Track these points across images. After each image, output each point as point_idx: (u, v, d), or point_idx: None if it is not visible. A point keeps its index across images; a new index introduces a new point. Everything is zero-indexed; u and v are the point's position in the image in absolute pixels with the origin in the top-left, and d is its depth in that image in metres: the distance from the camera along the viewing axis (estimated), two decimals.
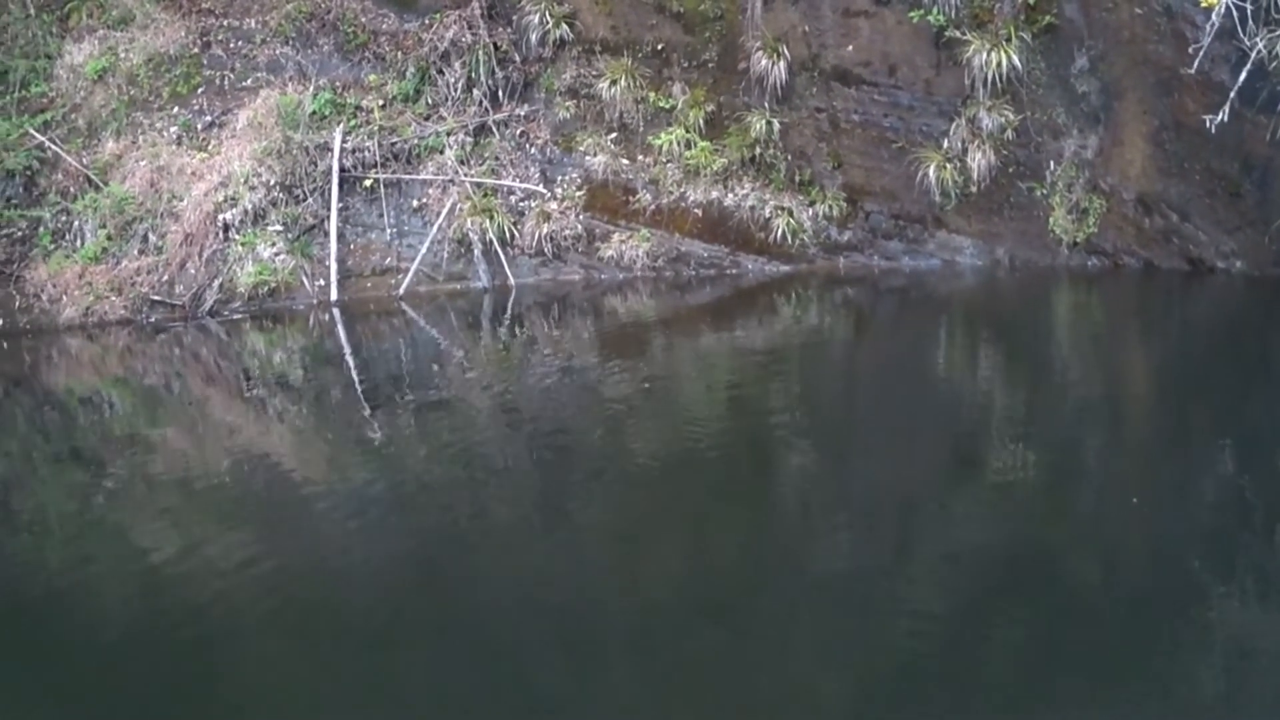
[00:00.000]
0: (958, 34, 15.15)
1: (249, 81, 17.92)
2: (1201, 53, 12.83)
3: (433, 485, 10.12)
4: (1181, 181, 14.55)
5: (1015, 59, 14.86)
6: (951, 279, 15.84)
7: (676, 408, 11.85)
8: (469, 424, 11.84)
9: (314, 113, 17.23)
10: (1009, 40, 14.93)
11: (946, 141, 15.57)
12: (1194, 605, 6.89)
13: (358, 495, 9.94)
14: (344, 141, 17.02)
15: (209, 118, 17.86)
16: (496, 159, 17.06)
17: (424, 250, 16.85)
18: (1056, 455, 9.61)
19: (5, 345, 16.18)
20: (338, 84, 17.66)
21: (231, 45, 18.21)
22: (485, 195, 16.82)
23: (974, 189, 15.53)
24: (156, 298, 16.69)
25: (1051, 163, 15.43)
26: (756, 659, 6.76)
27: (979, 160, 15.33)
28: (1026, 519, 8.42)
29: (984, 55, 14.98)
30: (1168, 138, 14.56)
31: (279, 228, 16.87)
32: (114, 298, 16.69)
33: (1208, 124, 12.63)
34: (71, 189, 17.50)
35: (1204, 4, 12.02)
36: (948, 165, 15.42)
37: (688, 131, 16.45)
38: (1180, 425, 10.25)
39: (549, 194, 16.90)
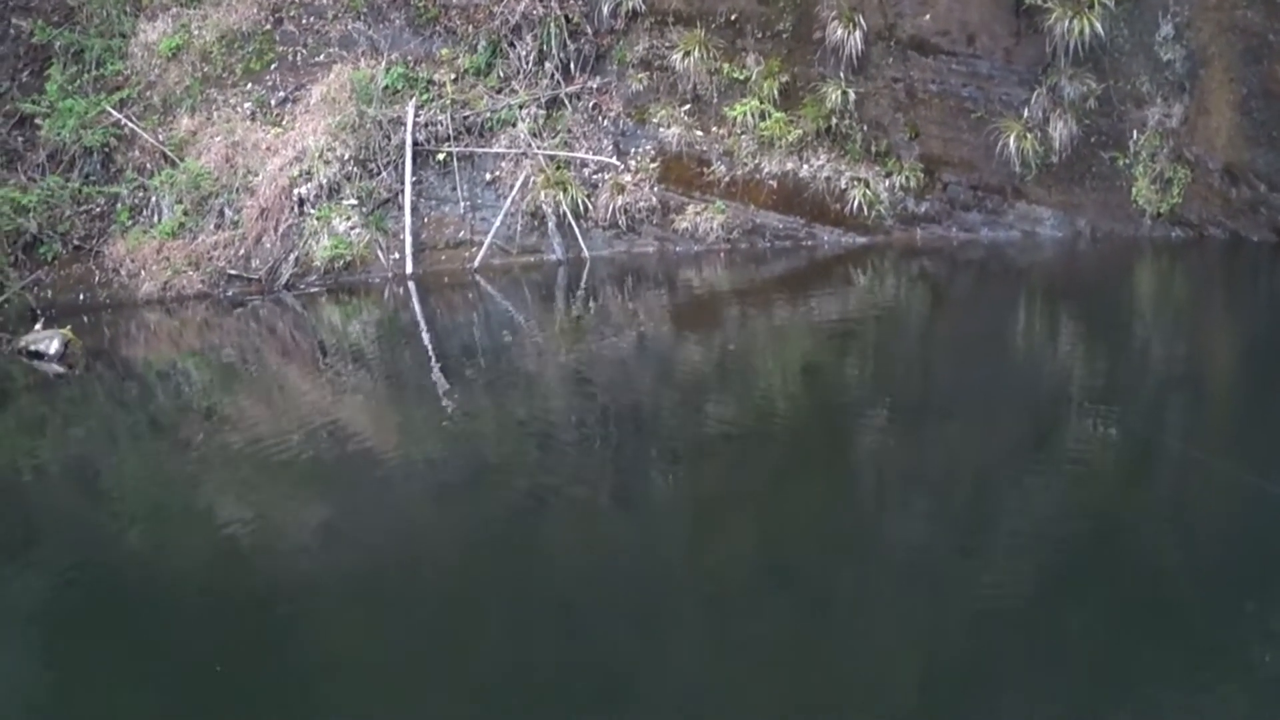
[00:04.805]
0: (1038, 1, 14.88)
1: (321, 57, 18.00)
2: None
3: (507, 457, 10.11)
4: (1270, 150, 14.23)
5: (1098, 26, 14.58)
6: (1031, 250, 15.60)
7: (752, 381, 11.79)
8: (544, 396, 11.82)
9: (387, 87, 17.24)
10: (1091, 7, 14.63)
11: (1027, 111, 15.32)
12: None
13: (433, 467, 10.00)
14: (417, 115, 17.03)
15: (282, 93, 17.96)
16: (569, 131, 17.00)
17: (498, 223, 16.85)
18: (1145, 432, 9.41)
19: (86, 319, 16.37)
20: (410, 58, 17.67)
21: (303, 21, 18.29)
22: (558, 168, 16.78)
23: (1055, 159, 15.29)
24: (233, 272, 16.84)
25: (1135, 132, 15.14)
26: (829, 635, 6.71)
27: (1060, 130, 15.09)
28: (1112, 498, 8.22)
29: (1066, 23, 14.71)
30: (1256, 106, 14.24)
31: (353, 202, 16.94)
32: (191, 272, 16.86)
33: None
34: (148, 165, 17.69)
35: None
36: (1028, 135, 15.18)
37: (762, 102, 16.29)
38: (1275, 401, 9.97)
39: (622, 166, 16.81)
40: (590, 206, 16.66)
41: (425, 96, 17.26)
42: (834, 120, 16.08)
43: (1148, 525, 7.81)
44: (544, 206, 16.60)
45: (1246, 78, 14.25)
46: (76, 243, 17.44)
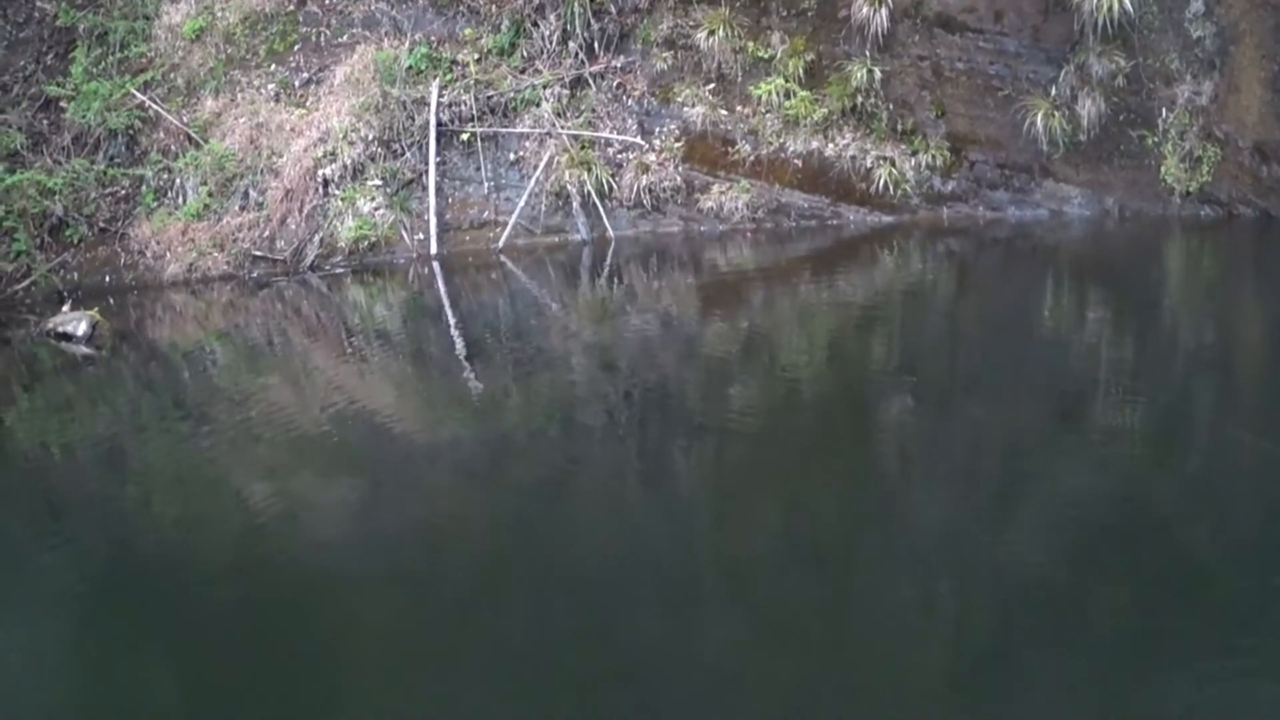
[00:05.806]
0: None
1: (345, 38, 17.99)
2: None
3: (532, 438, 10.04)
4: None
5: (1127, 3, 14.42)
6: (1059, 229, 15.49)
7: (778, 361, 11.72)
8: (568, 377, 11.79)
9: (410, 67, 17.23)
10: None
11: (1054, 89, 15.22)
12: None
13: (457, 447, 9.97)
14: (440, 96, 17.02)
15: (306, 74, 17.96)
16: (593, 111, 16.95)
17: (522, 203, 16.83)
18: (1175, 414, 9.32)
19: (112, 301, 16.43)
20: (433, 38, 17.65)
21: (327, 2, 18.27)
22: (583, 147, 16.74)
23: (1083, 137, 15.17)
24: (258, 253, 16.87)
25: (1164, 110, 15.02)
26: (855, 616, 6.65)
27: (1088, 108, 14.97)
28: (1140, 479, 8.10)
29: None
30: None
31: (378, 182, 16.95)
32: (216, 254, 16.90)
33: None
34: (173, 147, 17.74)
35: None
36: (1056, 113, 15.07)
37: (787, 81, 16.21)
38: None
39: (647, 146, 16.75)
40: (615, 186, 16.63)
41: (449, 77, 17.24)
42: (859, 99, 16.00)
43: (1184, 502, 7.74)
44: (568, 186, 16.56)
45: (1278, 55, 14.11)
46: (102, 225, 17.50)
